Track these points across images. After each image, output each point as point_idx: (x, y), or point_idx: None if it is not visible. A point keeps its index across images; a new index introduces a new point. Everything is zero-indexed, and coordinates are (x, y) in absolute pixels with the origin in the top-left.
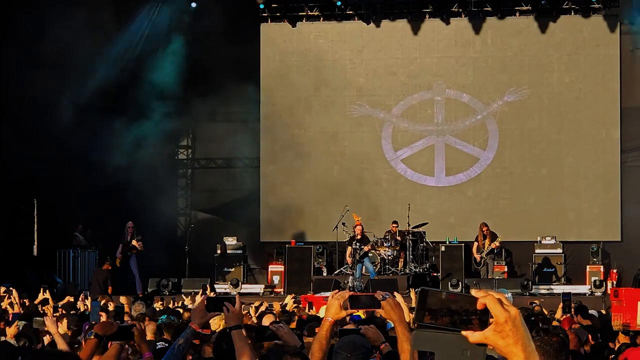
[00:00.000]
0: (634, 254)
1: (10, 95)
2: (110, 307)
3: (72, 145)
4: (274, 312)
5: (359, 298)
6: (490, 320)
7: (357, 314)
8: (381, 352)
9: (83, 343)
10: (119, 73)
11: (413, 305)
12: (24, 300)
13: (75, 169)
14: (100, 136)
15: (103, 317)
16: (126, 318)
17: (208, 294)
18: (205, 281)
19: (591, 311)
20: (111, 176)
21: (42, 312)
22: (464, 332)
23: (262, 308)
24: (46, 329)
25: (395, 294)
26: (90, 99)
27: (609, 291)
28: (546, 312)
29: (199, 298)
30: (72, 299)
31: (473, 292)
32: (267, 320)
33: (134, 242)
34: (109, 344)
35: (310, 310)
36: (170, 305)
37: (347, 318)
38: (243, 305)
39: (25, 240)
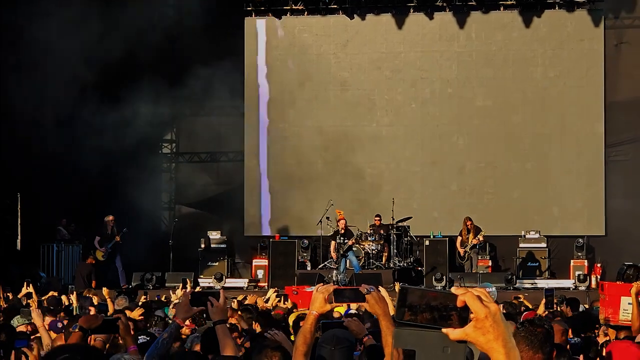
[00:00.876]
0: (618, 249)
1: None
2: (95, 301)
3: (55, 140)
4: (257, 307)
5: (344, 292)
6: (471, 316)
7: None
8: (364, 345)
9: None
10: (102, 67)
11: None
12: (7, 294)
13: (59, 164)
14: (84, 130)
15: (92, 312)
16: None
17: (188, 287)
18: (189, 275)
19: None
20: (95, 171)
21: (25, 305)
22: (444, 330)
23: (247, 301)
24: (32, 321)
25: (380, 287)
26: (73, 93)
27: (593, 285)
28: (531, 307)
29: (179, 292)
30: (55, 294)
31: (453, 289)
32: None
33: (117, 237)
34: (93, 338)
35: (286, 303)
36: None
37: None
38: (226, 300)
39: (9, 235)
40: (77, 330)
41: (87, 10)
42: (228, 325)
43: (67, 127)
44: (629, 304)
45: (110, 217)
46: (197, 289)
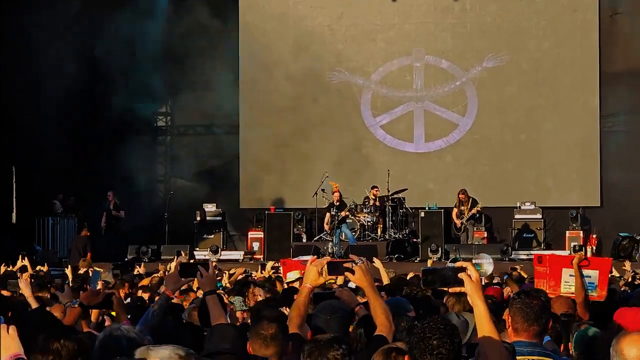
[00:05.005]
0: (613, 220)
1: None
2: (90, 272)
3: (51, 114)
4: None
5: (337, 264)
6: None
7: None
8: (357, 315)
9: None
10: (96, 40)
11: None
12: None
13: (54, 137)
14: (79, 104)
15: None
16: (101, 285)
17: (182, 259)
18: (185, 248)
19: None
20: (90, 144)
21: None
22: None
23: (237, 274)
24: (20, 291)
25: (374, 259)
26: (67, 67)
27: (589, 256)
28: (526, 277)
29: (174, 264)
30: (45, 269)
31: (458, 264)
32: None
33: (114, 213)
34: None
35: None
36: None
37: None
38: (217, 271)
39: (4, 208)
40: (76, 305)
41: None
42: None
43: (61, 103)
44: (571, 275)
45: (110, 193)
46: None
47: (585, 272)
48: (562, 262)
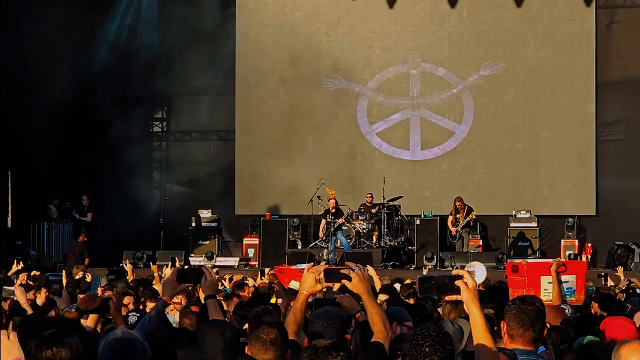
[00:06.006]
0: (609, 229)
1: None
2: (88, 278)
3: (46, 118)
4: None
5: (334, 271)
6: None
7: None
8: (357, 321)
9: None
10: (91, 45)
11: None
12: None
13: (50, 142)
14: (75, 109)
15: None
16: (100, 291)
17: (177, 266)
18: (180, 254)
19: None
20: (86, 149)
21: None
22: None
23: (235, 280)
24: (15, 298)
25: (368, 267)
26: (62, 72)
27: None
28: None
29: (168, 271)
30: (38, 273)
31: (454, 271)
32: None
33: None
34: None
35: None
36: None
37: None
38: (217, 277)
39: (0, 212)
40: (73, 310)
41: None
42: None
43: (58, 105)
44: (549, 282)
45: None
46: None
47: (563, 277)
48: (540, 269)
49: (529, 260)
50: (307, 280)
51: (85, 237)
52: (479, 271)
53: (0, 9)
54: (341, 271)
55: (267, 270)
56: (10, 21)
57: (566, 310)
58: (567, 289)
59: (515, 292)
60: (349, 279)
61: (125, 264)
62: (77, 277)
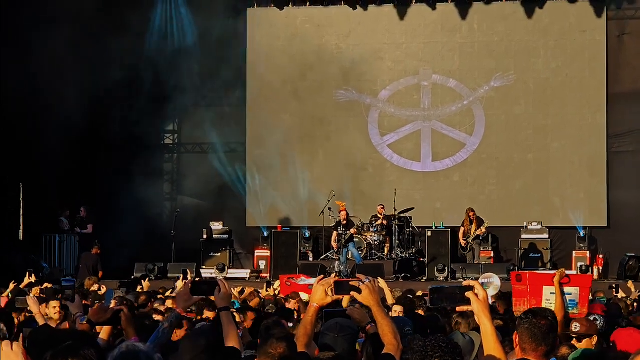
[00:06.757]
0: (620, 240)
1: None
2: (102, 290)
3: (58, 131)
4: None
5: (344, 284)
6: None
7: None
8: (367, 333)
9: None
10: (103, 58)
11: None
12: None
13: (61, 155)
14: (87, 122)
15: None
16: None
17: (189, 278)
18: (191, 266)
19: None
20: (98, 162)
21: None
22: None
23: (246, 292)
24: (28, 308)
25: (379, 279)
26: (74, 84)
27: (595, 277)
28: None
29: (180, 283)
30: (50, 286)
31: (465, 282)
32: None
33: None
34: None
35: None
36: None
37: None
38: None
39: (12, 225)
40: (84, 322)
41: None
42: None
43: (70, 117)
44: (552, 293)
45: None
46: (190, 277)
47: (566, 289)
48: (542, 280)
49: (534, 271)
50: (317, 293)
51: (99, 249)
52: (495, 283)
53: (9, 27)
54: (351, 283)
55: (275, 282)
56: (19, 37)
57: (598, 322)
58: (569, 301)
59: (518, 302)
60: (359, 291)
61: (143, 281)
62: (91, 289)
